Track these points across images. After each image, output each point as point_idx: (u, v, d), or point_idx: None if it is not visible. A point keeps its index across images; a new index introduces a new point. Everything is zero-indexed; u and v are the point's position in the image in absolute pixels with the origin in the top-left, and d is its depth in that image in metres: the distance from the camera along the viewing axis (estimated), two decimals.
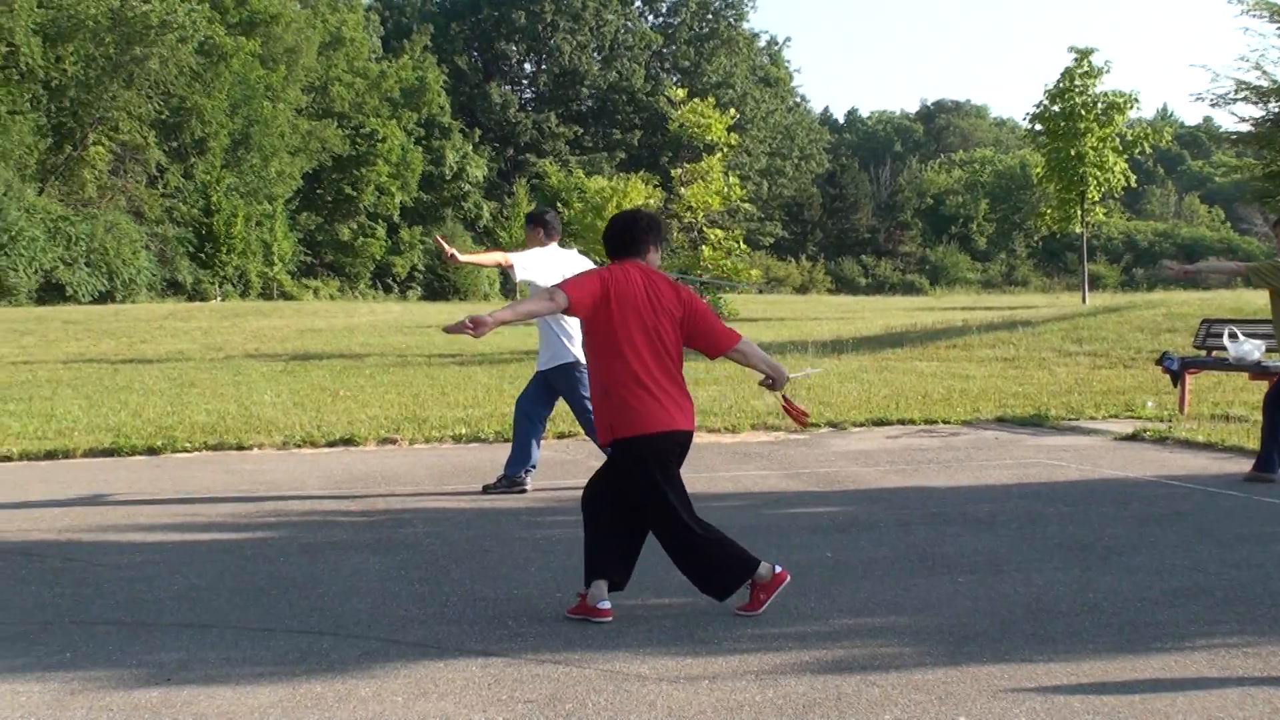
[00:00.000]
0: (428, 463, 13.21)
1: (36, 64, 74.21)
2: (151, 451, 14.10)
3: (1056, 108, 50.51)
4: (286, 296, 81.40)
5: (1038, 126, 52.29)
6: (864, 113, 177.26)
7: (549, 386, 11.19)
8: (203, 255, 71.59)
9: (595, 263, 11.34)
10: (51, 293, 68.01)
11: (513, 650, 6.45)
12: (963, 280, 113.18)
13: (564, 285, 6.99)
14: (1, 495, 11.49)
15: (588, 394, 10.72)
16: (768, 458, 13.20)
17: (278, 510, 10.48)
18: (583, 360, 10.74)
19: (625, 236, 7.27)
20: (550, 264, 10.84)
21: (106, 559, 8.74)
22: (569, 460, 13.06)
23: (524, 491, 11.20)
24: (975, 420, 16.44)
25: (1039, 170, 54.50)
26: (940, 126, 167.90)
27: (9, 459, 13.85)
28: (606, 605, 6.94)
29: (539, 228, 11.29)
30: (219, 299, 71.73)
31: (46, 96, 77.01)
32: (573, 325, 10.77)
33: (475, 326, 6.71)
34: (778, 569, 7.07)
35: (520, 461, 11.25)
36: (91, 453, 14.05)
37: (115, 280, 72.14)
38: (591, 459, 13.12)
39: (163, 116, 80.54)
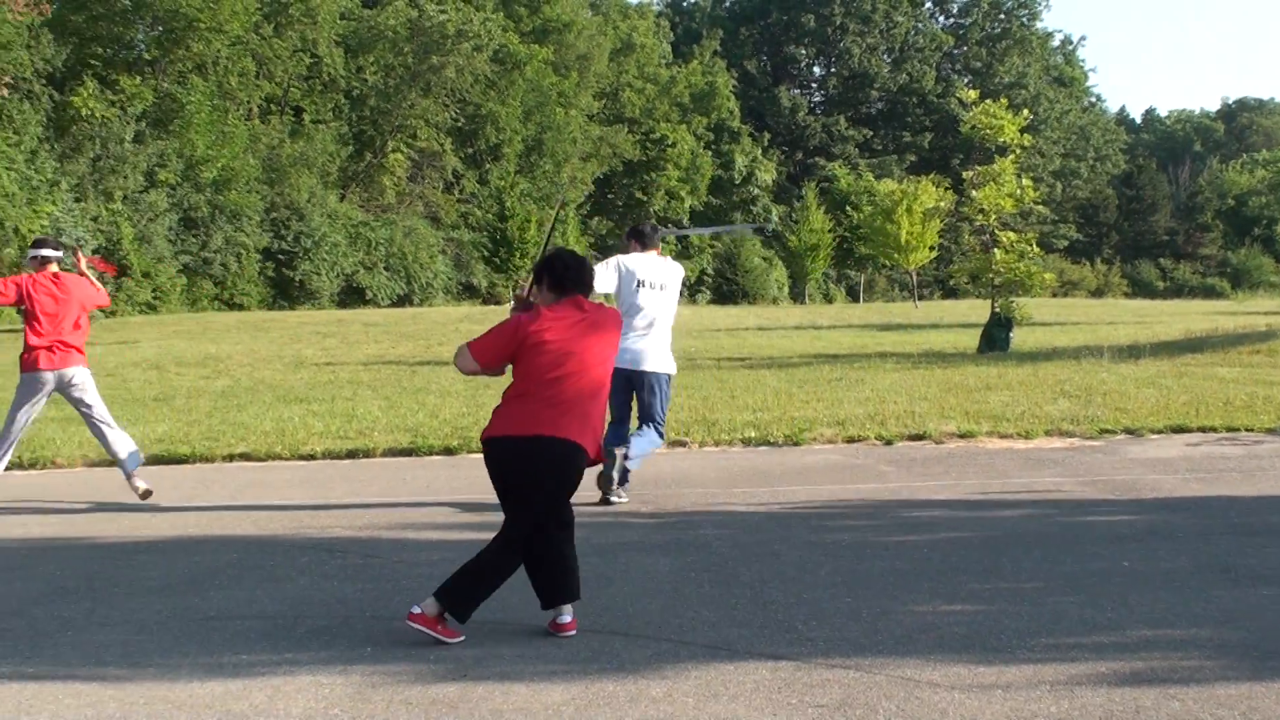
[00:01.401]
0: (717, 465, 13.24)
1: (339, 74, 76.67)
2: (448, 451, 14.39)
3: None
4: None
5: None
6: (1162, 112, 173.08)
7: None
8: (497, 259, 72.82)
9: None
10: (352, 296, 70.06)
11: (802, 654, 6.43)
12: (1266, 284, 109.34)
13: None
14: (306, 494, 11.87)
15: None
16: (1062, 464, 12.93)
17: None
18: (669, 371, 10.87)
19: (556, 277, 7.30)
20: (619, 267, 10.90)
21: (405, 556, 8.95)
22: (859, 465, 12.97)
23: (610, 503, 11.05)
24: None
25: None
26: (1242, 125, 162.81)
27: (313, 457, 14.29)
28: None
29: (633, 239, 11.27)
30: (512, 302, 72.84)
31: (348, 106, 79.47)
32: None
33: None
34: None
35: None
36: (390, 452, 14.40)
37: (413, 284, 74.02)
38: (881, 463, 13.03)
39: (458, 124, 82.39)
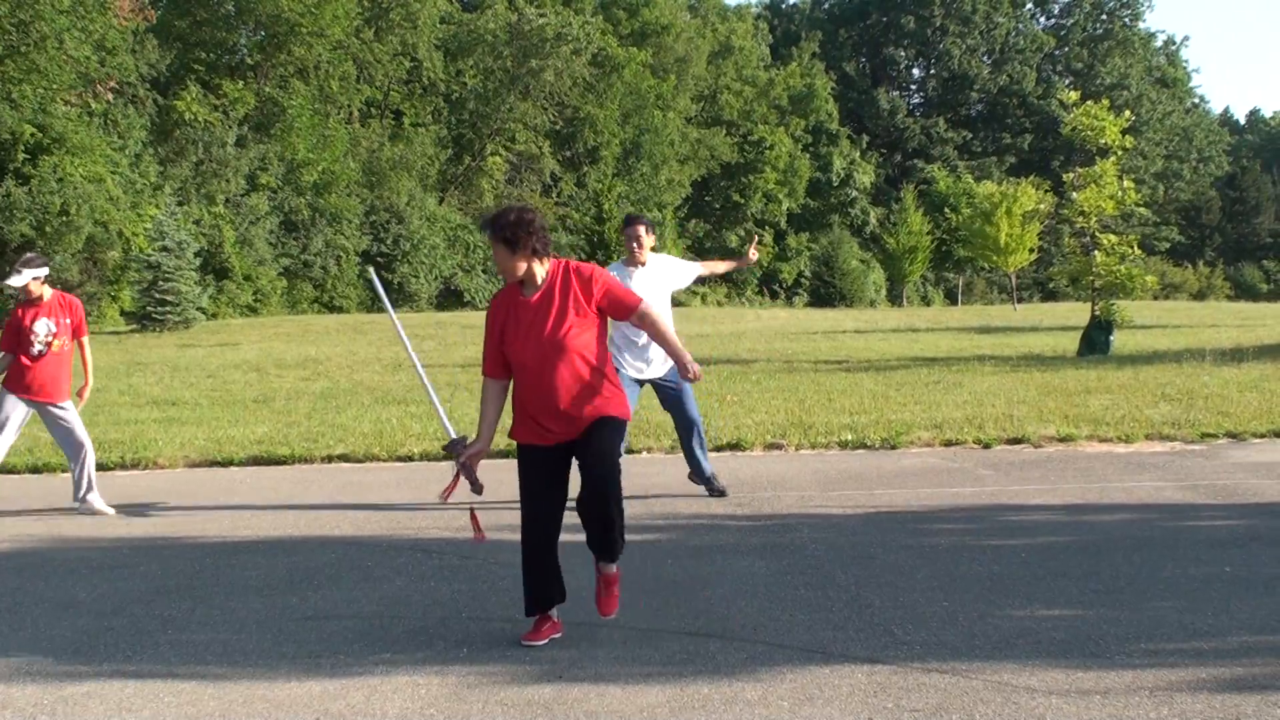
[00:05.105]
0: (813, 468, 13.19)
1: (438, 78, 77.08)
2: None
3: None
4: (675, 303, 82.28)
5: None
6: (1266, 113, 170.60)
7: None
8: (594, 262, 73.21)
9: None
10: (450, 298, 70.46)
11: (899, 658, 6.41)
12: None
13: None
14: (404, 495, 11.97)
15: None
16: (1162, 469, 12.79)
17: (666, 513, 10.61)
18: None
19: None
20: None
21: (502, 557, 8.96)
22: (956, 468, 12.89)
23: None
24: None
25: None
26: None
27: (410, 459, 14.39)
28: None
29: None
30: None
31: (447, 109, 79.91)
32: None
33: None
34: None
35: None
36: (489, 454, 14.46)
37: None
38: (979, 467, 12.94)
39: (557, 127, 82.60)
